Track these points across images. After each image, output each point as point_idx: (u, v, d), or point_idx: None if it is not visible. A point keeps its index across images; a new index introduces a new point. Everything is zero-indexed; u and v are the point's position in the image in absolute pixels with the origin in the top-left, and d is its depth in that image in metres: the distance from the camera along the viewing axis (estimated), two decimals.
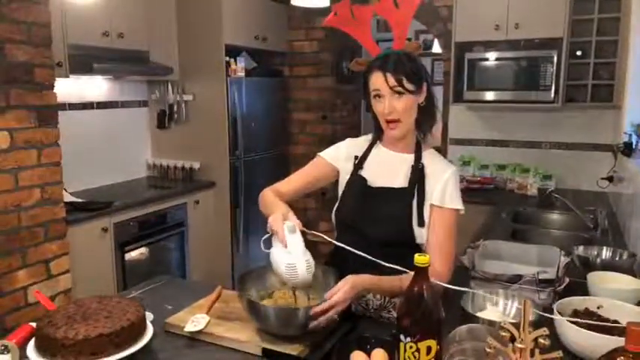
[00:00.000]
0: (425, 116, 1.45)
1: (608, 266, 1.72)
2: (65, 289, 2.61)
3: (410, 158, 1.46)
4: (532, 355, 0.84)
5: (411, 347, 0.99)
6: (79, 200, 2.96)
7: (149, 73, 3.56)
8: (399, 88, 1.36)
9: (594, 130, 3.37)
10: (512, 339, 0.87)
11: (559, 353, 0.83)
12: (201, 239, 3.66)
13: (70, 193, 3.00)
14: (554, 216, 2.79)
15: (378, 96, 1.40)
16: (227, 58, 3.64)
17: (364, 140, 1.56)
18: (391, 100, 1.37)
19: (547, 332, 0.84)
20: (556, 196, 2.67)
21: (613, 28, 3.06)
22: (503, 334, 0.86)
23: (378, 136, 1.51)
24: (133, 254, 3.14)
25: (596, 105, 3.18)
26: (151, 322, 1.30)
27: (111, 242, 2.95)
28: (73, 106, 3.28)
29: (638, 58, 2.75)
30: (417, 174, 1.43)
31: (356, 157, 1.52)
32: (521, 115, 3.55)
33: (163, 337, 1.31)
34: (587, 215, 2.51)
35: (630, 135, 2.60)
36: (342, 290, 1.23)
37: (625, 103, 2.81)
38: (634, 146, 2.51)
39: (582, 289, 1.54)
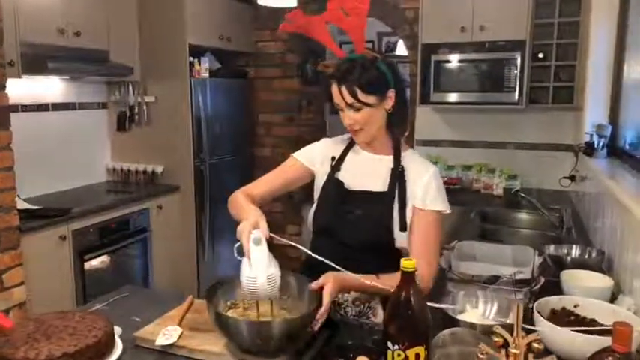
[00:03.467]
0: (394, 121, 1.42)
1: (578, 264, 1.75)
2: (20, 302, 2.45)
3: (389, 160, 1.42)
4: (525, 359, 0.82)
5: (399, 355, 0.96)
6: (34, 207, 2.79)
7: (108, 73, 3.41)
8: (357, 104, 1.33)
9: (556, 130, 3.46)
10: (504, 343, 0.85)
11: (553, 357, 0.81)
12: (165, 246, 3.54)
13: (24, 200, 2.83)
14: (521, 215, 2.84)
15: (339, 107, 1.37)
16: (190, 59, 3.54)
17: (341, 141, 1.52)
18: (349, 113, 1.35)
19: (540, 337, 0.82)
20: (523, 195, 2.72)
21: (573, 32, 3.15)
22: (496, 339, 0.83)
23: None
24: (93, 263, 2.99)
25: (558, 106, 3.27)
26: (119, 336, 1.23)
27: (69, 251, 2.80)
28: (26, 108, 3.11)
29: (597, 61, 2.83)
30: (397, 177, 1.39)
31: (333, 159, 1.47)
32: (485, 116, 3.61)
33: (133, 352, 1.24)
34: (553, 214, 2.56)
35: (591, 135, 2.67)
36: (328, 285, 1.23)
37: (586, 104, 2.89)
38: (595, 146, 2.58)
39: (556, 288, 1.55)
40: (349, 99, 1.33)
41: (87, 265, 2.93)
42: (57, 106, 3.33)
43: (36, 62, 2.74)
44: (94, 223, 2.96)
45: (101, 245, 3.03)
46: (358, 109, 1.34)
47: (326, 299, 1.21)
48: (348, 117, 1.36)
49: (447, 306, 1.25)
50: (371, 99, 1.33)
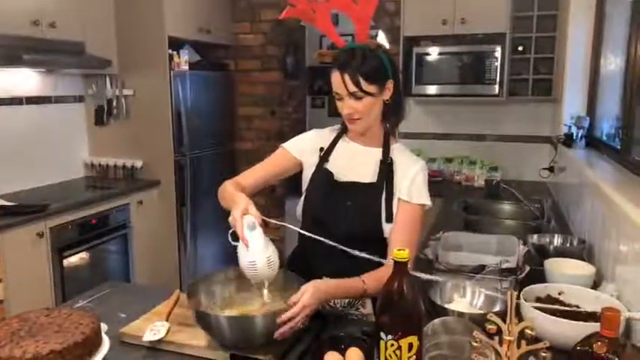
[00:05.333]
0: (391, 112, 1.42)
1: (560, 253, 1.78)
2: None
3: (377, 152, 1.42)
4: (518, 346, 0.83)
5: (392, 345, 0.96)
6: (10, 204, 2.72)
7: (85, 66, 3.32)
8: (359, 94, 1.32)
9: (534, 122, 3.52)
10: (498, 331, 0.85)
11: (545, 343, 0.82)
12: (146, 241, 3.49)
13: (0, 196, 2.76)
14: (502, 206, 2.88)
15: (339, 96, 1.36)
16: (169, 51, 3.48)
17: (330, 131, 1.51)
18: (350, 102, 1.34)
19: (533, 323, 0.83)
20: (504, 186, 2.76)
21: (551, 25, 3.20)
22: (490, 326, 0.84)
23: (345, 128, 1.47)
24: (72, 260, 2.92)
25: (537, 99, 3.32)
26: (105, 333, 1.20)
27: (47, 248, 2.73)
28: None
29: (575, 54, 2.89)
30: (386, 169, 1.39)
31: (321, 149, 1.47)
32: (466, 108, 3.64)
33: (119, 348, 1.21)
34: (534, 204, 2.61)
35: (570, 127, 2.72)
36: (305, 295, 1.17)
37: (564, 96, 2.94)
38: (574, 137, 2.63)
39: (539, 276, 1.58)
40: (352, 87, 1.32)
41: (66, 262, 2.86)
42: (31, 100, 3.24)
43: (9, 54, 2.65)
44: (73, 220, 2.89)
45: (80, 242, 2.96)
46: (359, 98, 1.33)
47: (297, 307, 1.15)
48: (348, 106, 1.35)
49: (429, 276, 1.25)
50: (372, 88, 1.33)
